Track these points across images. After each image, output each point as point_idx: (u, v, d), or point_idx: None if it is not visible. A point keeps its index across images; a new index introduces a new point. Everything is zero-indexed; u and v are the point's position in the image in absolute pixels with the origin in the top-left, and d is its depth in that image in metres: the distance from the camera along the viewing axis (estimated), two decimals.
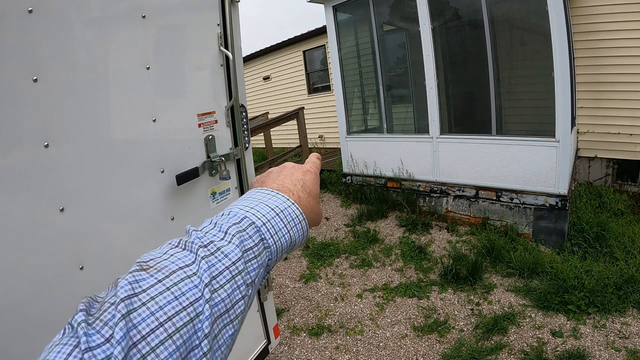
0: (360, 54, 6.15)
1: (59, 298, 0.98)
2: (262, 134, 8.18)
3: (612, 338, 2.78)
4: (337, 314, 3.45)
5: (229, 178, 1.60)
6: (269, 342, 1.98)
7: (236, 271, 0.38)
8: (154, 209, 1.31)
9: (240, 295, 0.38)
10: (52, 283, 0.97)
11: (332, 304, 3.61)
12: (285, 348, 3.05)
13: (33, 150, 0.93)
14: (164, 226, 1.34)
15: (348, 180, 6.27)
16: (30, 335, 0.91)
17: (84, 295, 1.00)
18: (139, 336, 0.29)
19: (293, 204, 0.47)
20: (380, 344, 3.01)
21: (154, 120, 1.28)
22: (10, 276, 0.89)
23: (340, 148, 6.50)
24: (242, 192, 1.74)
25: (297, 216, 0.47)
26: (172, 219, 1.37)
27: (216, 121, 1.57)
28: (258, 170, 7.13)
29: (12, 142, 0.89)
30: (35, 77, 0.92)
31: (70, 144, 1.02)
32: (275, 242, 0.43)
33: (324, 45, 9.77)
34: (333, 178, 6.93)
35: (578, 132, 5.93)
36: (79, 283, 1.04)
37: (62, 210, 0.99)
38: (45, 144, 0.95)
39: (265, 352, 1.95)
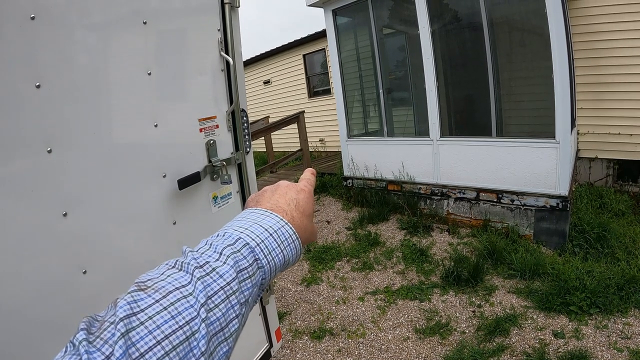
0: (360, 57, 6.17)
1: (62, 302, 0.99)
2: (263, 138, 8.20)
3: (614, 338, 2.77)
4: (339, 317, 3.45)
5: (231, 182, 1.60)
6: (271, 345, 1.98)
7: (230, 291, 0.39)
8: (156, 213, 1.31)
9: (234, 314, 0.39)
10: (55, 287, 0.98)
11: (333, 307, 3.61)
12: (287, 351, 3.05)
13: (36, 156, 0.94)
14: (166, 230, 1.35)
15: (349, 183, 6.27)
16: (34, 339, 0.92)
17: (87, 299, 1.00)
18: (137, 354, 0.31)
19: (287, 223, 0.48)
20: (382, 347, 3.01)
21: (156, 126, 1.29)
22: (14, 280, 0.89)
23: (341, 151, 6.50)
24: (243, 196, 1.74)
25: (290, 236, 0.48)
26: (174, 223, 1.38)
27: (217, 126, 1.58)
28: (259, 174, 7.15)
29: (15, 147, 0.90)
30: (37, 83, 0.93)
31: (72, 150, 1.02)
32: (269, 262, 0.45)
33: (324, 48, 9.80)
34: (334, 181, 6.93)
35: (578, 133, 5.93)
36: (82, 287, 1.05)
37: (65, 215, 1.00)
38: (48, 149, 0.96)
39: (267, 355, 1.95)
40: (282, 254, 0.46)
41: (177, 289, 0.37)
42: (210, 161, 1.53)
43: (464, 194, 4.87)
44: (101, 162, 1.11)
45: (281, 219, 0.48)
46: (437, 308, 3.42)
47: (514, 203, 4.44)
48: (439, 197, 5.15)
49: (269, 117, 11.23)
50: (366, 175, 6.00)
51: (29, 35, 0.91)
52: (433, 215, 5.23)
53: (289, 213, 0.50)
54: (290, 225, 0.48)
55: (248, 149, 1.76)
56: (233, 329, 0.39)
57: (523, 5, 4.57)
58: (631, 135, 5.46)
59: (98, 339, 0.31)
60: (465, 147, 4.83)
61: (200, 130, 1.50)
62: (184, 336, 0.34)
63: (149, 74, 1.26)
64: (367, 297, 3.72)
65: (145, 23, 1.24)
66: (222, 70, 1.60)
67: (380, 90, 5.77)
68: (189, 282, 0.38)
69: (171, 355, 0.32)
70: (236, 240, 0.43)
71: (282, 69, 11.54)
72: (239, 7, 1.64)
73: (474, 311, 3.30)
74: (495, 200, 4.59)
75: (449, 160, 5.01)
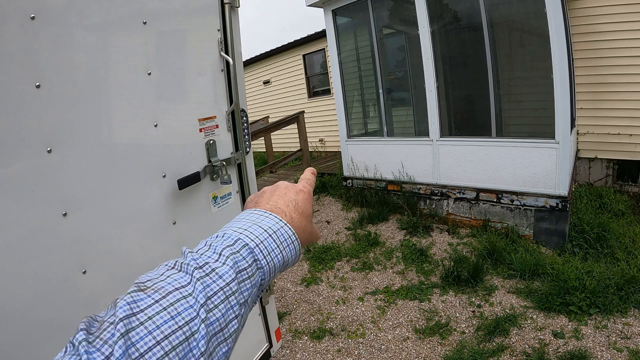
0: (360, 57, 6.17)
1: (61, 302, 0.99)
2: (263, 138, 8.20)
3: (613, 339, 2.77)
4: (339, 317, 3.45)
5: (230, 182, 1.60)
6: (270, 345, 1.98)
7: (230, 292, 0.39)
8: (156, 213, 1.31)
9: (233, 315, 0.39)
10: (55, 287, 0.98)
11: (333, 307, 3.61)
12: (287, 351, 3.05)
13: (36, 156, 0.94)
14: (166, 230, 1.35)
15: (349, 183, 6.27)
16: (33, 339, 0.92)
17: (87, 299, 1.00)
18: (137, 354, 0.31)
19: (285, 224, 0.48)
20: (382, 347, 3.01)
21: (156, 126, 1.29)
22: (14, 280, 0.89)
23: (340, 151, 6.51)
24: (243, 196, 1.75)
25: (289, 237, 0.48)
26: (174, 223, 1.38)
27: (217, 126, 1.58)
28: (259, 174, 7.14)
29: (15, 147, 0.90)
30: (37, 83, 0.93)
31: (72, 150, 1.03)
32: (268, 263, 0.45)
33: (324, 49, 9.80)
34: (334, 181, 6.93)
35: (578, 133, 5.93)
36: (82, 287, 1.05)
37: (65, 215, 1.00)
38: (48, 149, 0.96)
39: (267, 355, 1.95)
40: (281, 254, 0.46)
41: (177, 289, 0.37)
42: (210, 161, 1.53)
43: (463, 194, 4.87)
44: (101, 162, 1.11)
45: (280, 220, 0.49)
46: (436, 308, 3.42)
47: (514, 203, 4.44)
48: (438, 197, 5.16)
49: (268, 117, 11.23)
50: (366, 176, 6.00)
51: (29, 35, 0.91)
52: (433, 215, 5.23)
53: (288, 214, 0.51)
54: (290, 226, 0.49)
55: (248, 149, 1.76)
56: (232, 329, 0.39)
57: (523, 6, 4.56)
58: (631, 135, 5.47)
59: (98, 339, 0.31)
60: (465, 147, 4.83)
61: (200, 130, 1.50)
62: (183, 336, 0.34)
63: (149, 74, 1.26)
64: (366, 297, 3.72)
65: (145, 23, 1.24)
66: (222, 71, 1.60)
67: (380, 91, 5.77)
68: (189, 283, 0.38)
69: (171, 355, 0.32)
70: (235, 241, 0.44)
71: (281, 69, 11.54)
72: (239, 7, 1.64)
73: (473, 311, 3.30)
74: (495, 200, 4.59)
75: (448, 161, 5.02)
